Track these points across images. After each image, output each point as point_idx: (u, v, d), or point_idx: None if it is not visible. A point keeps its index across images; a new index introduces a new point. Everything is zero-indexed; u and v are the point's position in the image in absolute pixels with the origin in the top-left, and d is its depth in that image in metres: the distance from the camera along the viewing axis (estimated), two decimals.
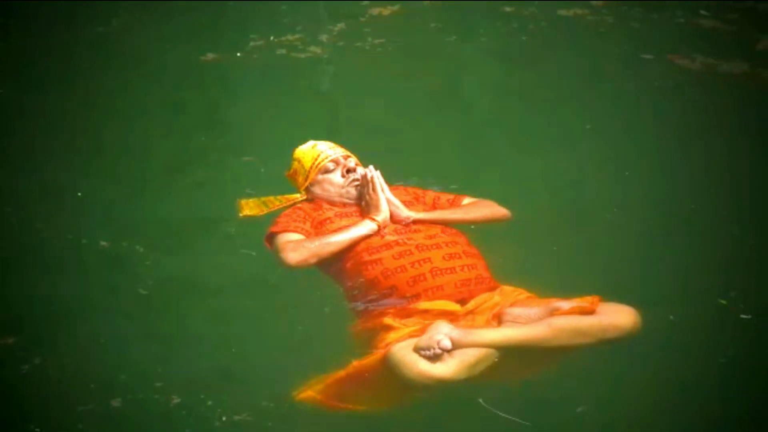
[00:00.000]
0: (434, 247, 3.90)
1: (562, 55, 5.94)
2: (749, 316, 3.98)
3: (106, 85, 5.83)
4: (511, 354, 3.52)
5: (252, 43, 6.23)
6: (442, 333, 3.48)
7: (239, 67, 6.06)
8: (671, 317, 3.93)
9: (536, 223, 4.46)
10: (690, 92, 5.46)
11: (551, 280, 3.93)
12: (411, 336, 3.58)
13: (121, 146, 5.29)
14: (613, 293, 3.64)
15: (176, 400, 3.77)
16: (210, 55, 6.14)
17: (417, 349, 3.47)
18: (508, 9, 6.40)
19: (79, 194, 4.89)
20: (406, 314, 3.75)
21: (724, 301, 4.04)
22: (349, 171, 4.19)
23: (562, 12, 6.23)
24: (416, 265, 3.84)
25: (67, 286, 4.31)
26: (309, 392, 3.63)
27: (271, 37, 6.28)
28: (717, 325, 3.99)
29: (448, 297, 3.78)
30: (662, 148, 5.07)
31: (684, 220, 4.59)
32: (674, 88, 5.53)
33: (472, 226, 4.11)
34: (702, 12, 5.99)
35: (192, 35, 6.34)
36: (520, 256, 4.22)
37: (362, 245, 3.95)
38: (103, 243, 4.51)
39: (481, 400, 3.60)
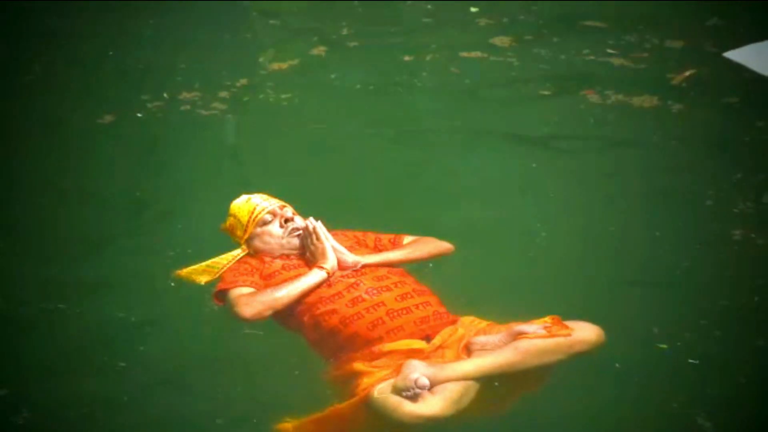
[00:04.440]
0: (384, 289, 3.94)
1: (471, 94, 6.04)
2: (696, 361, 4.03)
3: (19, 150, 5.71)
4: (491, 383, 3.59)
5: (149, 104, 6.16)
6: (417, 372, 3.52)
7: (142, 126, 5.99)
8: (617, 365, 3.98)
9: (467, 254, 4.53)
10: (609, 124, 5.65)
11: (501, 307, 3.99)
12: (385, 379, 3.61)
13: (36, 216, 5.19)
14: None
15: None
16: (107, 117, 6.05)
17: (397, 391, 3.50)
18: (407, 58, 6.51)
19: None
20: (374, 357, 3.78)
21: (664, 346, 4.09)
22: (287, 221, 4.21)
23: (464, 54, 6.34)
24: (371, 310, 3.87)
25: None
26: (287, 425, 3.65)
27: (164, 94, 6.22)
28: (664, 370, 4.02)
29: (410, 336, 3.82)
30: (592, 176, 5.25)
31: (614, 245, 4.73)
32: (593, 122, 5.72)
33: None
34: (609, 51, 6.20)
35: (91, 95, 6.26)
36: (465, 287, 4.28)
37: (313, 297, 3.96)
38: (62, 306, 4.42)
39: None
